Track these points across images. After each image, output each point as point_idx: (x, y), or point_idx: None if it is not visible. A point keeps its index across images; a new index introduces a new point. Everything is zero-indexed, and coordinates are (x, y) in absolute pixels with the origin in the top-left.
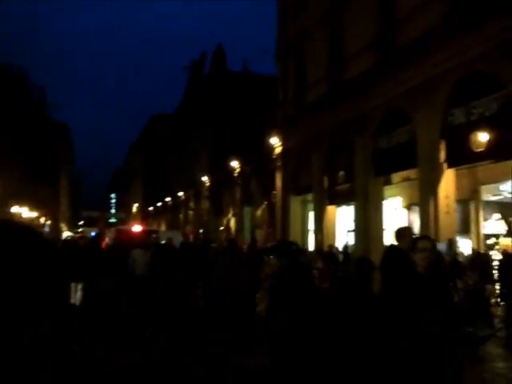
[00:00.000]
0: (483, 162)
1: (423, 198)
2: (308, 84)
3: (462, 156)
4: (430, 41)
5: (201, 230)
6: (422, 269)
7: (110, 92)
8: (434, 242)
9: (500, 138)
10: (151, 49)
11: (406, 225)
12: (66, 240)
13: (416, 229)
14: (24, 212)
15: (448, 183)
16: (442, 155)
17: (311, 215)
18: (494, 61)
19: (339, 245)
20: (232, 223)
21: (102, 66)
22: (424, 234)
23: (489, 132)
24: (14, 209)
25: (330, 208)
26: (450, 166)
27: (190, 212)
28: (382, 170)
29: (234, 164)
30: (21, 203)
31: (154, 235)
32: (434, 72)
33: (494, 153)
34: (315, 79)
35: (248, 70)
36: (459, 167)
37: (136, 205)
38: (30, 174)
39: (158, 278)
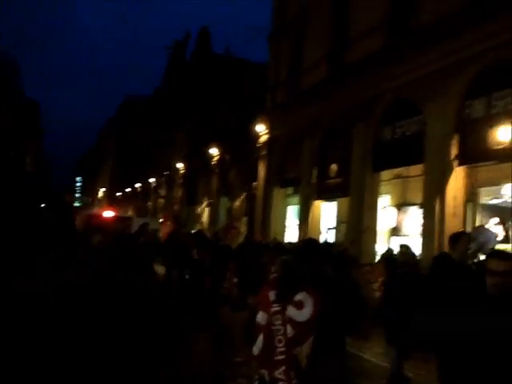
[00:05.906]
0: (503, 162)
1: (428, 198)
2: (304, 68)
3: (477, 153)
4: (451, 24)
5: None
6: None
7: (84, 73)
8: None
9: None
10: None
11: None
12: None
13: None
14: None
15: (457, 182)
16: (454, 151)
17: (290, 209)
18: None
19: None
20: (205, 214)
21: (75, 46)
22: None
23: None
24: None
25: (316, 203)
26: (461, 164)
27: (161, 200)
28: (382, 164)
29: (213, 151)
30: None
31: (127, 223)
32: (452, 59)
33: None
34: (313, 62)
35: (231, 55)
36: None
37: (102, 190)
38: None
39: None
